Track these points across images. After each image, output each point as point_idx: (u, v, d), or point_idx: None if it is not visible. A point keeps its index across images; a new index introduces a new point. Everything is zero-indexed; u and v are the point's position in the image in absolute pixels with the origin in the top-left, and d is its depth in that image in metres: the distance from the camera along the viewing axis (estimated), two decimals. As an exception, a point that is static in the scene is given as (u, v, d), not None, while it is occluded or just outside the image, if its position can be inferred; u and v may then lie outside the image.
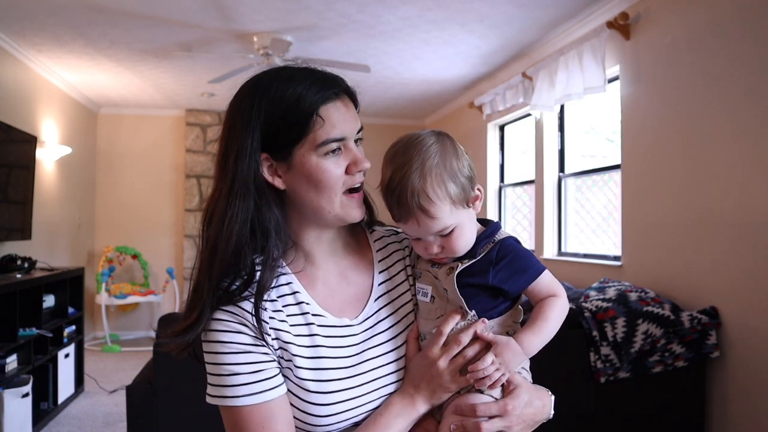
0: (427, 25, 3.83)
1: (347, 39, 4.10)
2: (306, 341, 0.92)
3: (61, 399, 3.99)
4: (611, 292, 2.82)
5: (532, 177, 4.62)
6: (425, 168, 0.90)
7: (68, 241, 5.54)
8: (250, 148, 0.89)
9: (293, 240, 0.95)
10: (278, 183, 0.92)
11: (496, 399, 0.92)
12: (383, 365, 0.94)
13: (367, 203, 1.00)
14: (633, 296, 2.74)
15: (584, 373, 2.60)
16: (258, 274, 0.90)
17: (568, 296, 1.00)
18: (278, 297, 0.93)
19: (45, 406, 3.83)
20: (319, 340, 0.92)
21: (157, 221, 6.59)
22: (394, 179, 0.91)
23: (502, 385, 0.93)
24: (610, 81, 3.52)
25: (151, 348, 2.71)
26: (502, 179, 5.47)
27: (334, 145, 0.90)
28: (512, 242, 0.96)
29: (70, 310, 4.33)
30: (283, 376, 0.90)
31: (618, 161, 3.52)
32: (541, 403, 0.95)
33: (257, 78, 0.94)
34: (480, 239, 0.95)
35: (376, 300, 0.99)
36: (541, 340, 0.93)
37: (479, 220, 0.99)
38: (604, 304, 2.67)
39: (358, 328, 0.96)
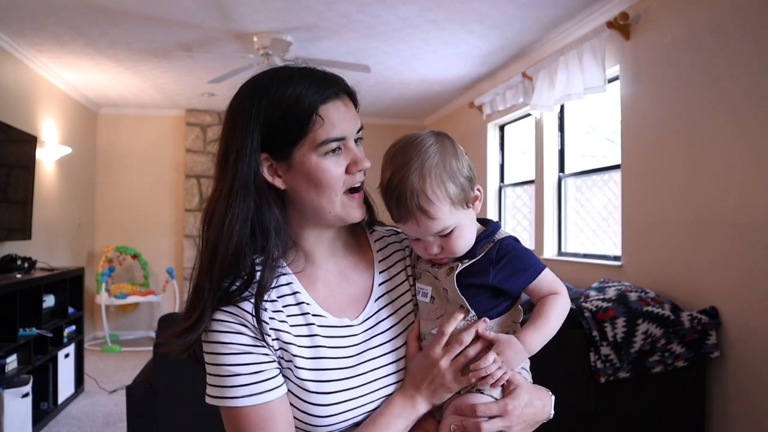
0: (427, 25, 3.83)
1: (347, 39, 4.10)
2: (306, 341, 0.91)
3: (61, 399, 3.99)
4: (611, 292, 2.82)
5: (532, 177, 4.62)
6: (424, 169, 0.90)
7: (68, 241, 5.54)
8: (249, 148, 0.88)
9: (293, 240, 0.95)
10: (278, 183, 0.92)
11: (497, 399, 0.92)
12: (383, 365, 0.94)
13: (367, 203, 1.00)
14: (633, 296, 2.74)
15: (584, 373, 2.60)
16: (258, 274, 0.90)
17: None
18: (278, 297, 0.93)
19: (45, 406, 3.83)
20: (319, 341, 0.92)
21: (157, 221, 6.60)
22: (394, 180, 0.91)
23: (503, 386, 0.93)
24: (610, 81, 3.52)
25: (151, 348, 2.71)
26: (502, 179, 5.47)
27: (333, 145, 0.90)
28: (512, 241, 0.96)
29: (70, 310, 4.33)
30: (284, 376, 0.90)
31: (618, 161, 3.52)
32: (542, 403, 0.95)
33: (257, 78, 0.93)
34: (480, 239, 0.95)
35: (376, 300, 0.99)
36: (543, 338, 0.93)
37: (479, 220, 0.99)
38: (604, 304, 2.67)
39: (358, 328, 0.96)
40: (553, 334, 0.95)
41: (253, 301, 0.88)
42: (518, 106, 4.62)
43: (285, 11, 3.61)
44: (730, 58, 2.65)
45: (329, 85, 0.91)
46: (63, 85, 5.24)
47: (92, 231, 6.35)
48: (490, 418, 0.89)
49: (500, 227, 0.99)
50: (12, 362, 3.31)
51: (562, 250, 4.35)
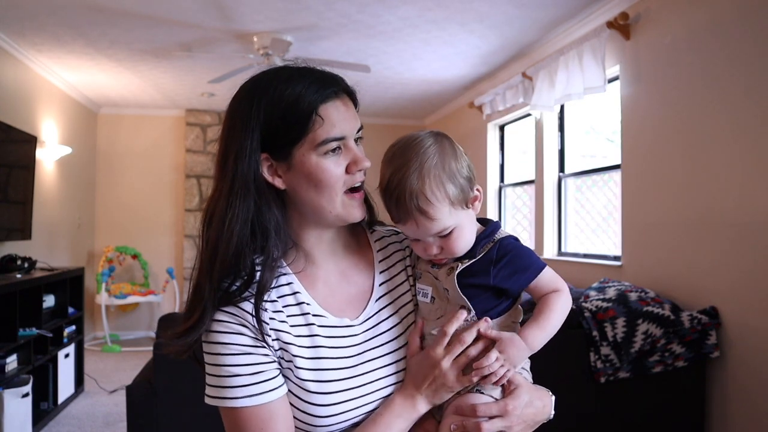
0: (427, 25, 3.83)
1: (347, 39, 4.10)
2: (306, 342, 0.91)
3: (61, 399, 3.99)
4: (611, 292, 2.82)
5: (532, 177, 4.62)
6: (423, 169, 0.90)
7: (68, 241, 5.54)
8: (249, 148, 0.88)
9: (293, 240, 0.95)
10: (278, 183, 0.92)
11: (497, 399, 0.92)
12: (384, 366, 0.94)
13: (367, 203, 1.00)
14: (633, 296, 2.74)
15: (584, 373, 2.60)
16: (258, 274, 0.89)
17: (568, 296, 1.00)
18: (278, 297, 0.92)
19: (45, 406, 3.83)
20: (319, 341, 0.92)
21: (157, 221, 6.59)
22: (393, 181, 0.91)
23: (503, 386, 0.93)
24: (610, 81, 3.52)
25: (151, 348, 2.71)
26: (502, 179, 5.47)
27: (333, 144, 0.90)
28: (512, 241, 0.96)
29: (70, 310, 4.33)
30: (284, 376, 0.90)
31: (618, 161, 3.52)
32: (542, 404, 0.95)
33: (256, 78, 0.93)
34: (479, 239, 0.95)
35: (376, 300, 0.99)
36: (546, 335, 0.93)
37: (479, 220, 0.99)
38: (604, 304, 2.67)
39: (358, 328, 0.96)
40: (556, 331, 0.95)
41: (253, 301, 0.88)
42: (518, 106, 4.62)
43: (285, 11, 3.61)
44: (730, 58, 2.65)
45: (329, 85, 0.91)
46: (63, 85, 5.24)
47: (92, 231, 6.35)
48: (491, 418, 0.89)
49: (500, 227, 0.99)
50: (12, 362, 3.31)
51: (562, 250, 4.35)
